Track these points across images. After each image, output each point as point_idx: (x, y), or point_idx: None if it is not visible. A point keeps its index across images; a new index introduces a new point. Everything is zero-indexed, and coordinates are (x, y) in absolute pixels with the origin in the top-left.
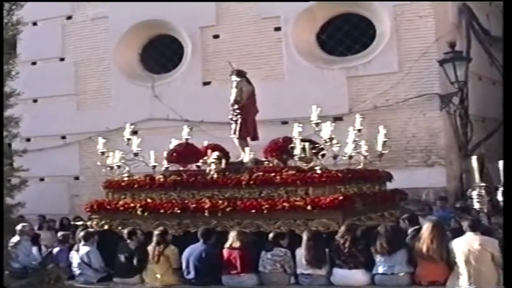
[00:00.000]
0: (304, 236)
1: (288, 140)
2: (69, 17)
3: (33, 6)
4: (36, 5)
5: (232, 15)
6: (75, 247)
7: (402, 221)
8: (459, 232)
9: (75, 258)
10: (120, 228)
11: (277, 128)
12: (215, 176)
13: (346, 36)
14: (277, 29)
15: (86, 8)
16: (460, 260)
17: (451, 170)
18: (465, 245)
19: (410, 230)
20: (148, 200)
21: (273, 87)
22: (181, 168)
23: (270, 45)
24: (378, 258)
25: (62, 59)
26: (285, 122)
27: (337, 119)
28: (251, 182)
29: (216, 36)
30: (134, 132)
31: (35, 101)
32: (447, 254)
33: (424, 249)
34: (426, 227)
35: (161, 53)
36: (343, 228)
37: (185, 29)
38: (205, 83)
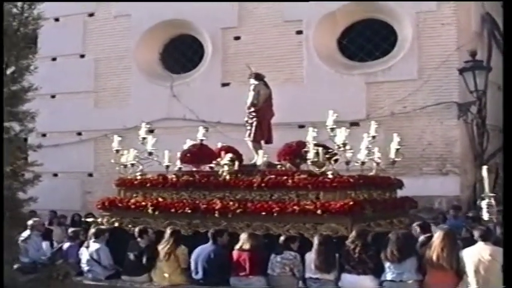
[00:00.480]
0: (315, 240)
1: (302, 144)
2: (91, 14)
3: (55, 2)
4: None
5: (254, 17)
6: (86, 243)
7: (414, 228)
8: (470, 241)
9: (84, 254)
10: (130, 226)
11: (294, 131)
12: (227, 177)
13: (367, 41)
14: (299, 32)
15: (108, 5)
16: (469, 269)
17: (466, 179)
18: (475, 254)
19: (421, 237)
20: (160, 199)
21: (291, 91)
22: (194, 169)
23: (291, 49)
24: (387, 265)
25: (82, 56)
26: (302, 126)
27: (354, 124)
28: (263, 184)
29: (237, 38)
30: (151, 131)
31: (53, 96)
32: (457, 263)
33: (434, 257)
34: (437, 235)
35: (182, 53)
36: (353, 233)
37: (206, 30)
38: (224, 84)
